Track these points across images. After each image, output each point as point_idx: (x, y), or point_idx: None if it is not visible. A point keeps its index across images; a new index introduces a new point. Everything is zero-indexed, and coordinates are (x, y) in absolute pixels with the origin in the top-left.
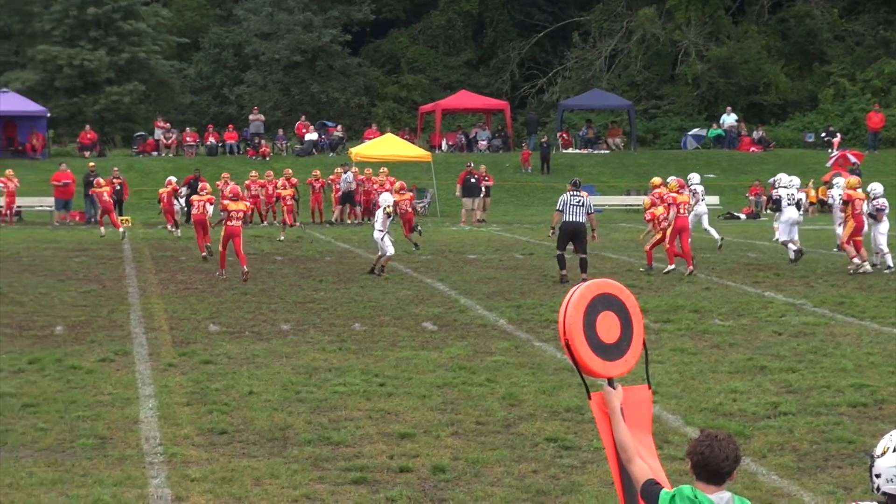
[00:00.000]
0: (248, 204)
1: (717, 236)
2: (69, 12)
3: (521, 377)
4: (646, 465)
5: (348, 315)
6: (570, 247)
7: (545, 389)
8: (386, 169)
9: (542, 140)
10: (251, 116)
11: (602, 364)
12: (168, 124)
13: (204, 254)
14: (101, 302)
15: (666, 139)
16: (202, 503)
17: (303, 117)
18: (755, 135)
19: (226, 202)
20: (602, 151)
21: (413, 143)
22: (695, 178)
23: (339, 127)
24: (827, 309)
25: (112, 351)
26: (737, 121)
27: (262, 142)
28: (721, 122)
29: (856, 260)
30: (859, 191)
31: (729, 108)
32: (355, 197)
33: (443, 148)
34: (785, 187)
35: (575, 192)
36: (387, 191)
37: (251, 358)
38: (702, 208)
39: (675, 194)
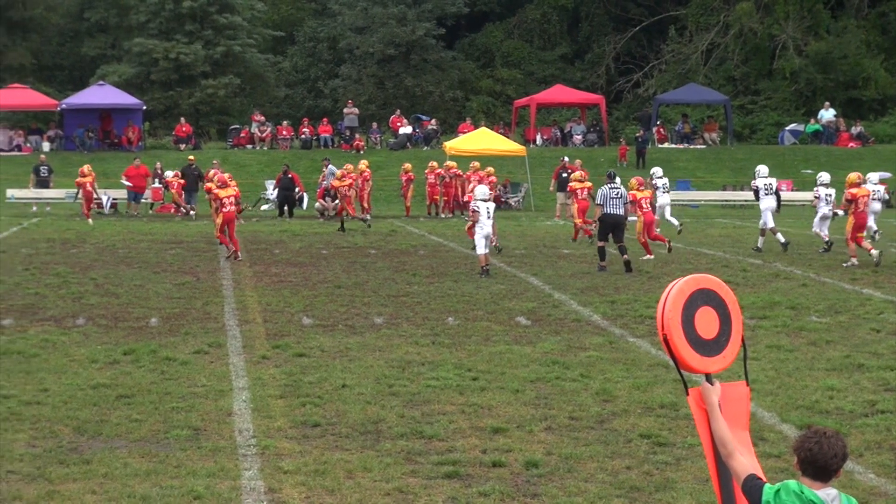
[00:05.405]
0: (237, 190)
1: (676, 223)
2: (165, 5)
3: (614, 373)
4: (746, 460)
5: (442, 309)
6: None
7: (639, 385)
8: (477, 163)
9: (638, 135)
10: (346, 110)
11: (700, 360)
12: (263, 117)
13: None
14: (195, 294)
15: (763, 134)
16: (295, 496)
17: (397, 111)
18: (853, 130)
19: (216, 191)
20: (698, 146)
21: (507, 137)
22: (657, 171)
23: (434, 121)
24: None
25: (206, 343)
26: (835, 116)
27: (357, 135)
28: (819, 117)
29: (853, 260)
30: (864, 187)
31: (827, 103)
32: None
33: (537, 142)
34: (763, 178)
35: (613, 185)
36: (480, 181)
37: (344, 351)
38: (664, 200)
39: (635, 192)
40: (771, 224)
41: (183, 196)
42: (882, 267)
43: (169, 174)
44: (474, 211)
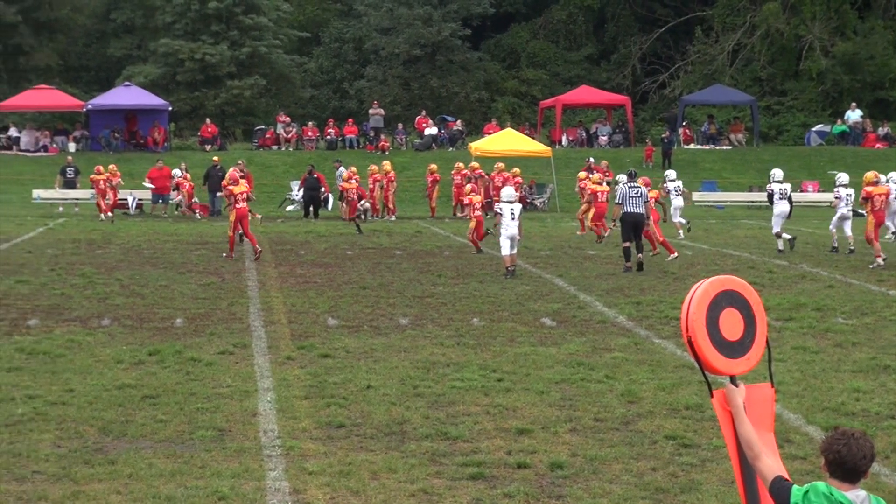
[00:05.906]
0: (248, 187)
1: (684, 221)
2: (191, 6)
3: (640, 374)
4: (772, 462)
5: (467, 310)
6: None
7: (664, 387)
8: (502, 164)
9: (664, 136)
10: (371, 111)
11: (724, 361)
12: (289, 118)
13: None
14: (220, 295)
15: (789, 135)
16: (319, 496)
17: (423, 112)
18: (880, 131)
19: (230, 187)
20: (724, 147)
21: (533, 138)
22: (671, 174)
23: (459, 121)
24: None
25: (231, 344)
26: (862, 117)
27: (382, 136)
28: (846, 118)
29: (879, 259)
30: (881, 185)
31: (854, 104)
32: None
33: (563, 143)
34: (778, 182)
35: (633, 184)
36: (506, 183)
37: (369, 352)
38: (678, 202)
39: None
40: (777, 229)
41: (195, 196)
42: (886, 266)
43: (177, 173)
44: (497, 213)
